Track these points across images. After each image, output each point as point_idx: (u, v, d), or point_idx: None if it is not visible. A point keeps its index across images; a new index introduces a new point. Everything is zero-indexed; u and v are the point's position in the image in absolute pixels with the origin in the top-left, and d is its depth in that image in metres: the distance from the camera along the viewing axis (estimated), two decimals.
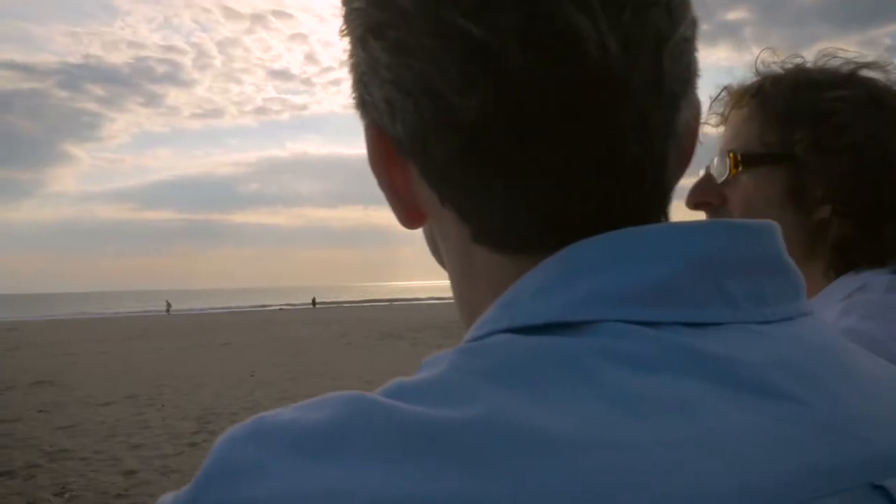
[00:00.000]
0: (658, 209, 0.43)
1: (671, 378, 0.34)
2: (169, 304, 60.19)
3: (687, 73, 0.42)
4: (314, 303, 63.97)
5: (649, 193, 0.42)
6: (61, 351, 20.12)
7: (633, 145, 0.40)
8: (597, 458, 0.30)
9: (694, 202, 1.09)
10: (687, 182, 1.13)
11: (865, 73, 1.03)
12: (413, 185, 0.46)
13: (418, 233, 0.52)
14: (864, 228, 0.97)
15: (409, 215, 0.48)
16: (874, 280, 0.95)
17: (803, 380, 0.37)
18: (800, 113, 1.00)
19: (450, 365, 0.36)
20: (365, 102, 0.45)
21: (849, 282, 0.98)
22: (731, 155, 1.04)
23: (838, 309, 0.94)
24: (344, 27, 0.45)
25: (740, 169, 1.03)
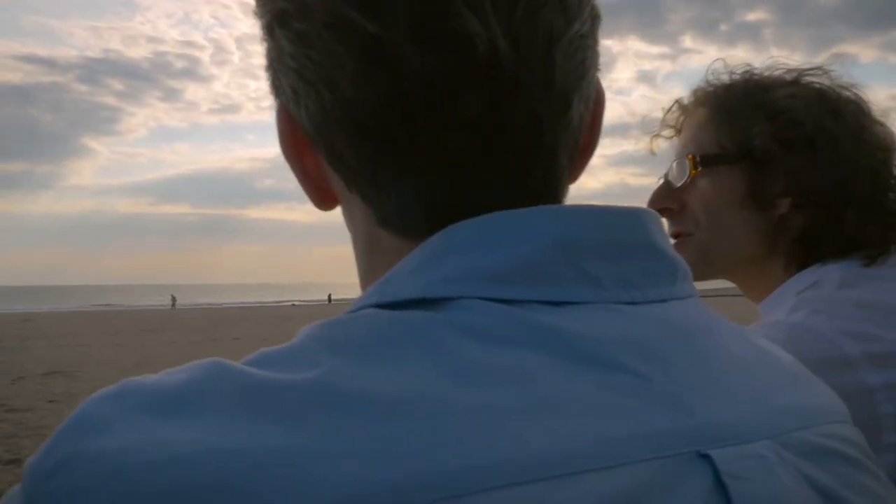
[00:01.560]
0: (549, 199, 0.45)
1: (513, 350, 0.36)
2: (174, 299, 60.17)
3: (582, 68, 0.44)
4: (330, 299, 64.13)
5: (539, 184, 0.44)
6: (75, 342, 20.29)
7: (521, 139, 0.42)
8: (412, 418, 0.32)
9: (656, 209, 1.11)
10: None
11: (810, 78, 1.06)
12: (323, 169, 0.48)
13: None
14: (824, 220, 0.99)
15: (321, 198, 0.50)
16: (827, 276, 0.96)
17: (648, 356, 0.38)
18: (755, 111, 1.02)
19: (308, 336, 0.38)
20: (275, 88, 0.47)
21: (804, 277, 0.99)
22: (689, 157, 1.06)
23: (790, 304, 0.95)
24: (256, 12, 0.47)
25: (699, 171, 1.06)
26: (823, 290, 0.95)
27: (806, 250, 1.00)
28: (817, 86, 1.05)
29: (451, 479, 0.31)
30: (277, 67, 0.45)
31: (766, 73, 1.08)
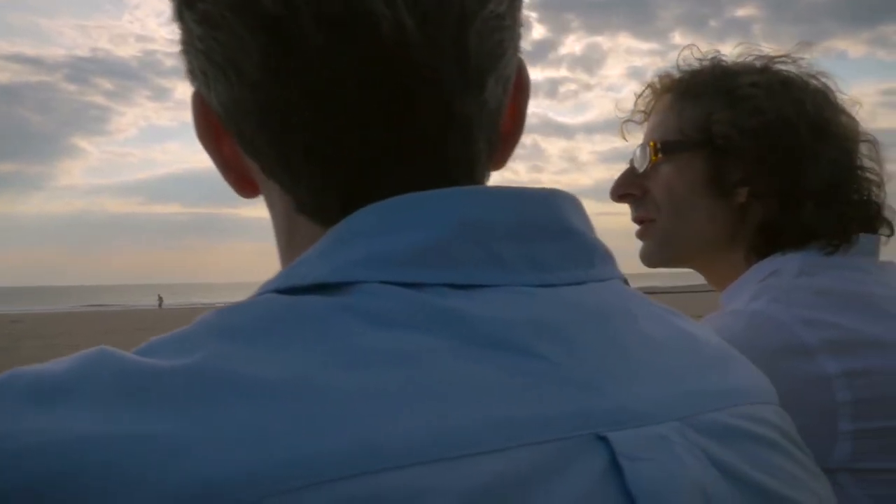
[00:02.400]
0: (464, 182, 0.44)
1: (409, 333, 0.35)
2: (161, 299, 59.56)
3: (499, 49, 0.43)
4: None
5: (452, 167, 0.43)
6: (66, 342, 20.21)
7: (432, 121, 0.41)
8: (286, 402, 0.31)
9: (618, 194, 1.13)
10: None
11: (779, 66, 1.05)
12: (241, 156, 0.47)
13: None
14: (782, 210, 0.99)
15: (242, 186, 0.49)
16: (787, 265, 0.96)
17: (556, 339, 0.38)
18: (717, 98, 1.02)
19: (200, 322, 0.38)
20: (190, 73, 0.46)
21: (764, 266, 0.99)
22: (651, 144, 1.06)
23: (750, 292, 0.95)
24: None
25: (660, 157, 1.06)
26: (782, 279, 0.94)
27: (766, 239, 1.00)
28: (784, 74, 1.04)
29: (312, 464, 0.30)
30: (189, 51, 0.44)
31: (739, 60, 1.07)
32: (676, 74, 1.09)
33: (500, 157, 0.49)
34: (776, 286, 0.93)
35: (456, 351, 0.35)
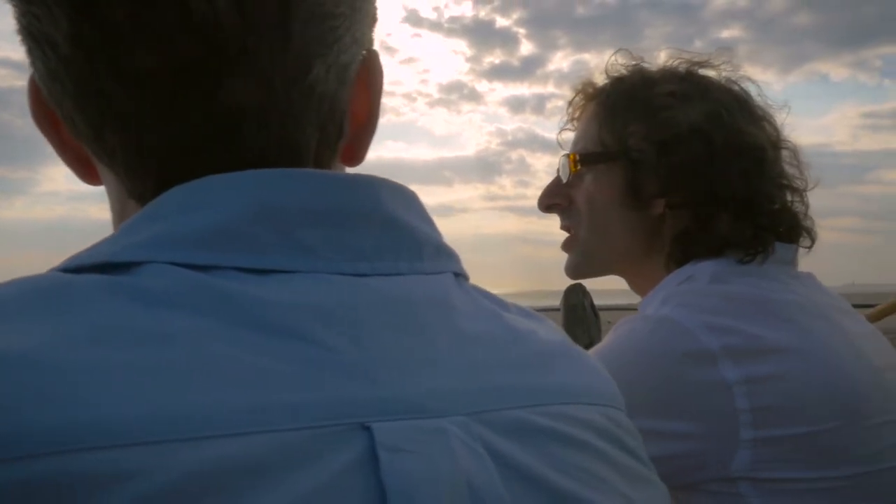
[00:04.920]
0: (288, 165, 0.43)
1: (172, 313, 0.34)
2: None
3: (330, 35, 0.43)
4: None
5: (273, 152, 0.42)
6: None
7: (249, 102, 0.41)
8: (19, 373, 0.30)
9: (545, 204, 1.13)
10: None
11: (702, 71, 1.05)
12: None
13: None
14: (697, 221, 0.99)
15: (84, 171, 0.48)
16: (701, 272, 0.96)
17: (343, 327, 0.37)
18: (633, 109, 1.02)
19: None
20: (27, 55, 0.45)
21: (680, 273, 0.99)
22: (570, 156, 1.06)
23: (660, 298, 0.94)
24: None
25: (580, 168, 1.06)
26: (694, 285, 0.95)
27: (683, 249, 1.00)
28: (705, 81, 1.04)
29: (12, 439, 0.28)
30: (19, 29, 0.43)
31: (667, 64, 1.07)
32: (602, 82, 1.09)
33: (351, 151, 0.48)
34: (686, 292, 0.93)
35: (217, 333, 0.34)
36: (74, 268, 0.38)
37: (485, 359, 0.41)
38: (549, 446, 0.39)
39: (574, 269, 1.11)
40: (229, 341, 0.34)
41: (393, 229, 0.42)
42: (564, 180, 1.08)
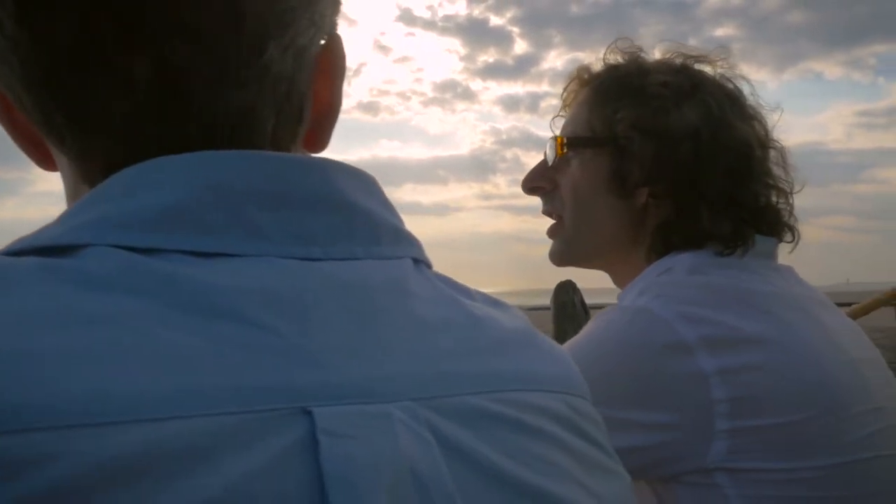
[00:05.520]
0: (243, 147, 0.42)
1: (109, 296, 0.33)
2: None
3: (286, 16, 0.42)
4: None
5: (225, 133, 0.42)
6: None
7: (197, 83, 0.40)
8: None
9: (528, 186, 1.12)
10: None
11: (698, 66, 1.05)
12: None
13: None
14: (680, 212, 0.98)
15: (41, 156, 0.48)
16: (679, 263, 0.96)
17: (286, 310, 0.36)
18: (624, 96, 1.01)
19: None
20: None
21: (660, 264, 0.99)
22: (558, 139, 1.05)
23: (639, 289, 0.94)
24: None
25: (566, 152, 1.05)
26: (673, 276, 0.95)
27: (664, 240, 0.99)
28: (700, 76, 1.03)
29: None
30: None
31: (665, 57, 1.06)
32: (597, 69, 1.09)
33: (313, 137, 0.48)
34: (665, 283, 0.93)
35: (156, 316, 0.33)
36: (16, 251, 0.37)
37: (440, 344, 0.40)
38: (502, 432, 0.38)
39: (559, 256, 1.10)
40: (168, 324, 0.33)
41: (348, 213, 0.41)
42: (550, 163, 1.08)
